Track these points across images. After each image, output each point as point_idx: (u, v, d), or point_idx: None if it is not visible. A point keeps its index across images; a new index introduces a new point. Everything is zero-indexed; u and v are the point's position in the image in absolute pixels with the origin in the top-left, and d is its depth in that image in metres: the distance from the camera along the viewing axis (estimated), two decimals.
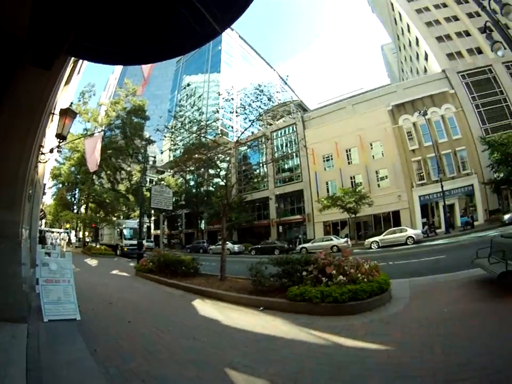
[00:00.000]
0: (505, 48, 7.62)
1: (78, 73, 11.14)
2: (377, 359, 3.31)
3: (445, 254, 12.71)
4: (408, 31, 40.21)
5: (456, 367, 2.91)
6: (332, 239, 23.52)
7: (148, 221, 44.56)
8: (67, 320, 4.85)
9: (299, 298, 5.28)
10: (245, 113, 9.82)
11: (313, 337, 4.10)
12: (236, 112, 10.38)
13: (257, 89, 9.55)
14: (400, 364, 3.14)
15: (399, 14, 40.61)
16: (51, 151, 7.08)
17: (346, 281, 5.37)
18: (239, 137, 11.22)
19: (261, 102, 9.62)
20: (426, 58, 37.50)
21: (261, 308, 5.53)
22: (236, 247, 27.88)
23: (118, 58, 3.05)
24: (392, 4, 40.98)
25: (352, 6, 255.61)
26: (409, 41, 42.43)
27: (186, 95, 61.60)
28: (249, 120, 9.86)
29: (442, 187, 24.24)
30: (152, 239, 41.39)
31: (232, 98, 10.30)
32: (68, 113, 6.34)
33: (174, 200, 41.84)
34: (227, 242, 30.82)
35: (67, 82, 8.57)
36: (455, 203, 27.61)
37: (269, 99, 9.85)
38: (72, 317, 4.93)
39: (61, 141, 6.68)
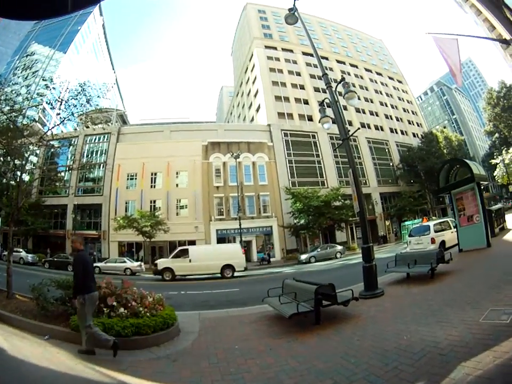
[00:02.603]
0: (333, 122, 8.40)
1: None
2: None
3: (238, 287, 12.67)
4: (253, 82, 44.94)
5: None
6: (125, 261, 22.72)
7: None
8: None
9: None
10: (60, 108, 9.09)
11: (100, 375, 3.74)
12: (51, 105, 9.66)
13: (80, 85, 8.97)
14: None
15: (253, 65, 45.10)
16: None
17: (129, 314, 5.01)
18: (45, 133, 10.11)
19: (79, 101, 9.00)
20: (257, 110, 42.29)
21: (46, 337, 4.97)
22: (30, 257, 25.12)
23: None
24: (252, 55, 45.12)
25: (214, 43, 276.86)
26: (249, 91, 47.24)
27: (24, 64, 52.27)
28: (61, 117, 9.18)
29: (240, 224, 26.24)
30: None
31: (54, 88, 9.62)
32: None
33: None
34: (21, 250, 26.01)
35: None
36: (253, 240, 30.62)
37: (88, 101, 9.16)
38: None
39: None
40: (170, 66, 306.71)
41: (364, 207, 7.76)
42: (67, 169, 28.40)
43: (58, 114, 9.40)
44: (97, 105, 11.89)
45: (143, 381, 3.61)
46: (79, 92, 8.95)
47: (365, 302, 6.34)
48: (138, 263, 23.10)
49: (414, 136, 48.32)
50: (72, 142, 29.78)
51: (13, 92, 9.60)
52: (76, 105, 9.10)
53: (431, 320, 4.52)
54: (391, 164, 42.23)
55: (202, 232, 29.14)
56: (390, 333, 4.31)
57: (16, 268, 9.64)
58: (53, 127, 10.05)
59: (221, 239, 29.75)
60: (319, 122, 8.84)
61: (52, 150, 27.08)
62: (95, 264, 23.25)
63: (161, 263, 17.98)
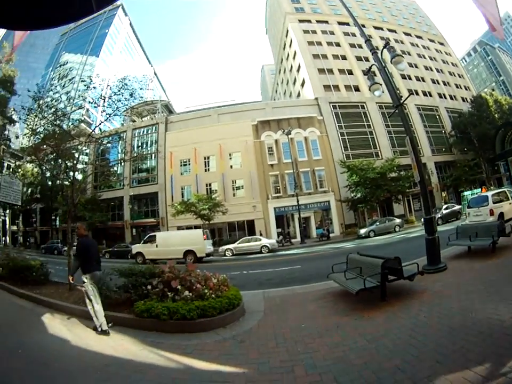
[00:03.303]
0: (383, 92, 7.95)
1: None
2: None
3: (300, 264, 12.58)
4: (294, 57, 43.51)
5: None
6: None
7: (2, 214, 38.40)
8: None
9: (146, 315, 4.81)
10: (103, 106, 9.11)
11: (164, 360, 3.69)
12: (95, 103, 9.64)
13: (121, 81, 9.00)
14: None
15: (291, 40, 43.70)
16: None
17: (193, 296, 4.98)
18: (93, 130, 10.29)
19: (122, 96, 9.02)
20: (302, 85, 40.83)
21: (110, 324, 4.93)
22: None
23: None
24: (288, 30, 43.71)
25: (248, 24, 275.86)
26: (291, 67, 45.83)
27: (59, 74, 54.04)
28: (107, 114, 9.21)
29: (298, 201, 25.66)
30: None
31: (94, 87, 9.60)
32: None
33: (29, 192, 35.60)
34: None
35: None
36: (311, 216, 29.91)
37: (131, 95, 9.21)
38: None
39: None
40: (207, 53, 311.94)
41: (424, 176, 7.33)
42: (119, 162, 29.08)
43: (103, 111, 9.36)
44: (141, 97, 11.30)
45: (209, 364, 3.48)
46: (121, 87, 8.93)
47: (428, 276, 6.12)
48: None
49: (464, 100, 44.71)
50: (122, 136, 30.47)
51: (54, 101, 9.70)
52: (120, 100, 9.07)
53: (496, 297, 4.33)
54: (443, 131, 39.43)
55: (260, 211, 28.76)
56: (456, 310, 4.18)
57: None
58: (99, 124, 10.18)
59: (279, 217, 29.33)
60: (369, 90, 8.33)
61: (102, 146, 27.65)
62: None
63: (134, 248, 19.46)
